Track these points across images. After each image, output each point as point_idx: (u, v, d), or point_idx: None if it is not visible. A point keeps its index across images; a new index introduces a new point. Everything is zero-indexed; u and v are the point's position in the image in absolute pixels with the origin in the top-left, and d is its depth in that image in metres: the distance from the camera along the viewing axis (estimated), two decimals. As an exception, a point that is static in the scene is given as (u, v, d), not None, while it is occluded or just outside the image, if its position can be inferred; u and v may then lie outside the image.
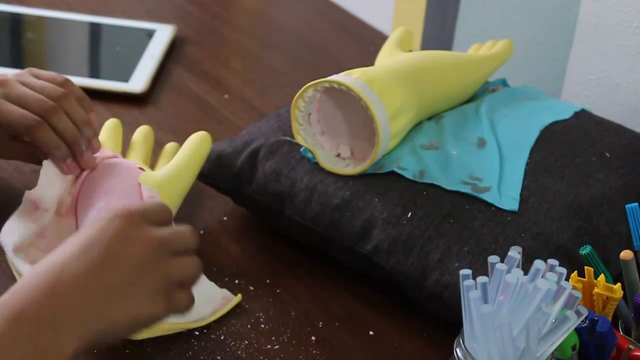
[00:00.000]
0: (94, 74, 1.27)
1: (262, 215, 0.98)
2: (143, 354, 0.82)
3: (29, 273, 0.66)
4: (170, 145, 1.00)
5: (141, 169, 0.93)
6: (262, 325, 0.86)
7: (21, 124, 0.88)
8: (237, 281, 0.91)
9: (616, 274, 0.80)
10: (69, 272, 0.65)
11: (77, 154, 0.90)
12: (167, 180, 0.92)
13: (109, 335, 0.67)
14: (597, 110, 1.10)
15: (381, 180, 0.90)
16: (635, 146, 0.98)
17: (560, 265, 0.68)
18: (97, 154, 0.93)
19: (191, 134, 0.98)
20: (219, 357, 0.83)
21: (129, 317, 0.67)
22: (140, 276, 0.68)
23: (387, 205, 0.88)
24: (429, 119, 0.99)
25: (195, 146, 0.95)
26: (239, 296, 0.88)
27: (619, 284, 0.75)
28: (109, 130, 0.99)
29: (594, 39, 1.16)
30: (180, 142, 0.98)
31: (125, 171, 0.92)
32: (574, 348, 0.70)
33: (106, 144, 0.97)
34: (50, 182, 0.90)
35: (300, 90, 0.91)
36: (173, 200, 0.92)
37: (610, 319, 0.74)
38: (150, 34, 1.32)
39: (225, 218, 1.00)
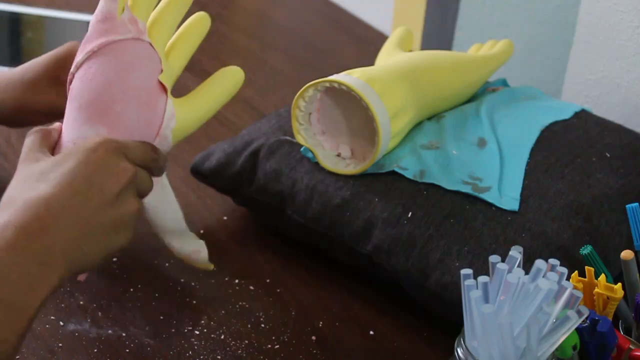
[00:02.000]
0: (94, 73, 1.27)
1: (262, 215, 0.98)
2: (143, 354, 0.82)
3: (18, 205, 0.68)
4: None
5: (162, 85, 0.77)
6: (263, 325, 0.86)
7: None
8: (237, 281, 0.91)
9: (617, 274, 0.80)
10: (55, 207, 0.68)
11: None
12: (186, 107, 0.81)
13: (85, 265, 0.71)
14: (597, 110, 1.10)
15: (381, 180, 0.90)
16: (635, 146, 0.98)
17: (560, 265, 0.68)
18: (114, 25, 0.75)
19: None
20: (219, 357, 0.83)
21: (105, 247, 0.71)
22: (118, 208, 0.71)
23: (388, 205, 0.88)
24: (430, 118, 0.99)
25: (225, 79, 0.84)
26: (210, 265, 0.86)
27: (619, 284, 0.75)
28: None
29: (594, 39, 1.16)
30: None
31: (142, 77, 0.75)
32: (574, 348, 0.70)
33: (135, 6, 0.77)
34: None
35: (301, 90, 0.91)
36: (185, 128, 0.82)
37: (610, 319, 0.74)
38: (150, 33, 1.32)
39: (225, 218, 1.00)
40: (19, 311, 0.64)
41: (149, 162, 0.76)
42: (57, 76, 0.88)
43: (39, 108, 0.89)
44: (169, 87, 0.79)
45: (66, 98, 0.78)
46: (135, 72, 0.75)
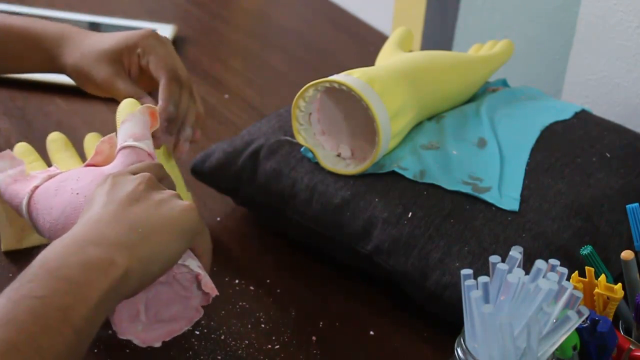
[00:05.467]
0: (94, 73, 1.26)
1: (262, 215, 0.98)
2: (143, 354, 0.82)
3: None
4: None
5: (92, 165, 0.85)
6: (263, 325, 0.86)
7: (172, 66, 0.92)
8: (237, 281, 0.91)
9: (617, 274, 0.80)
10: (95, 217, 0.69)
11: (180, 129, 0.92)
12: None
13: (164, 254, 0.69)
14: (597, 110, 1.10)
15: (382, 180, 0.90)
16: (636, 146, 0.98)
17: (560, 265, 0.68)
18: (38, 177, 0.84)
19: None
20: (219, 357, 0.83)
21: (170, 231, 0.70)
22: (152, 198, 0.71)
23: (388, 205, 0.88)
24: (430, 119, 0.99)
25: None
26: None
27: (619, 284, 0.75)
28: (26, 156, 0.89)
29: (594, 39, 1.16)
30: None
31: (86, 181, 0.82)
32: (574, 348, 0.70)
33: (36, 167, 0.88)
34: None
35: (301, 90, 0.91)
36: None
37: (611, 319, 0.74)
38: (150, 33, 1.32)
39: (225, 218, 1.00)
40: (85, 287, 0.63)
41: (157, 178, 0.77)
42: (120, 56, 0.93)
43: (92, 78, 0.93)
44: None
45: (121, 78, 0.92)
46: (67, 184, 0.81)
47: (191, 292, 0.77)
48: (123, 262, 0.66)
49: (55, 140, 0.90)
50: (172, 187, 0.79)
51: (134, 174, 0.75)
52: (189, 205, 0.72)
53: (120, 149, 0.82)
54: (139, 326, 0.76)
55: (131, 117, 0.85)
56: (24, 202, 0.82)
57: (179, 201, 0.72)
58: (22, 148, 0.89)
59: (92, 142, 0.90)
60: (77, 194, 0.79)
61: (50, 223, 0.80)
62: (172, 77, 0.92)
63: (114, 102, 1.17)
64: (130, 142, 0.82)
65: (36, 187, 0.82)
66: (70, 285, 0.63)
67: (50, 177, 0.83)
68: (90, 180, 0.80)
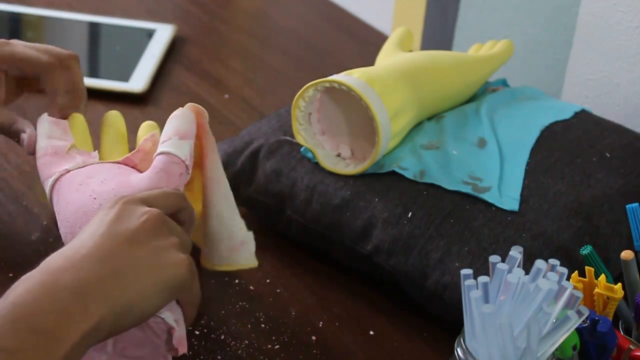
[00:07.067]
0: (94, 73, 1.27)
1: (262, 215, 0.98)
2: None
3: (47, 260, 0.67)
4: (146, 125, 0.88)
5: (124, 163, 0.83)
6: (263, 325, 0.86)
7: (40, 61, 0.85)
8: (237, 281, 0.91)
9: (617, 274, 0.80)
10: (81, 248, 0.67)
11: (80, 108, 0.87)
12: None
13: (140, 308, 0.67)
14: (597, 110, 1.10)
15: (382, 180, 0.90)
16: (636, 146, 0.98)
17: (560, 265, 0.68)
18: (77, 161, 0.82)
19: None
20: (219, 357, 0.83)
21: (154, 284, 0.67)
22: (155, 245, 0.69)
23: (388, 205, 0.88)
24: (430, 119, 0.99)
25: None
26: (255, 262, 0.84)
27: (619, 284, 0.75)
28: (78, 130, 0.86)
29: (594, 39, 1.16)
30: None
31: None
32: (574, 348, 0.70)
33: (78, 144, 0.85)
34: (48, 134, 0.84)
35: (301, 90, 0.91)
36: None
37: (610, 319, 0.74)
38: (150, 33, 1.32)
39: (225, 218, 1.00)
40: (56, 340, 0.61)
41: (174, 208, 0.75)
42: None
43: None
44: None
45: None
46: (91, 182, 0.79)
47: (162, 341, 0.75)
48: (97, 312, 0.63)
49: (109, 125, 0.86)
50: (190, 218, 0.77)
51: (149, 203, 0.72)
52: (183, 260, 0.70)
53: (157, 155, 0.79)
54: (104, 356, 0.75)
55: (180, 111, 0.81)
56: (50, 182, 0.80)
57: (175, 254, 0.70)
58: (77, 119, 0.85)
59: (145, 130, 0.85)
60: (95, 198, 0.77)
61: (63, 215, 0.79)
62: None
63: (114, 103, 1.18)
64: (167, 149, 0.78)
65: (67, 171, 0.80)
66: (41, 339, 0.61)
67: (85, 164, 0.81)
68: (112, 188, 0.78)
